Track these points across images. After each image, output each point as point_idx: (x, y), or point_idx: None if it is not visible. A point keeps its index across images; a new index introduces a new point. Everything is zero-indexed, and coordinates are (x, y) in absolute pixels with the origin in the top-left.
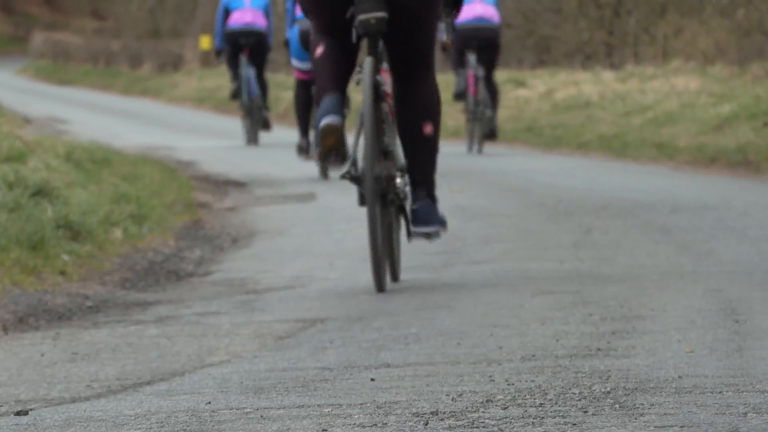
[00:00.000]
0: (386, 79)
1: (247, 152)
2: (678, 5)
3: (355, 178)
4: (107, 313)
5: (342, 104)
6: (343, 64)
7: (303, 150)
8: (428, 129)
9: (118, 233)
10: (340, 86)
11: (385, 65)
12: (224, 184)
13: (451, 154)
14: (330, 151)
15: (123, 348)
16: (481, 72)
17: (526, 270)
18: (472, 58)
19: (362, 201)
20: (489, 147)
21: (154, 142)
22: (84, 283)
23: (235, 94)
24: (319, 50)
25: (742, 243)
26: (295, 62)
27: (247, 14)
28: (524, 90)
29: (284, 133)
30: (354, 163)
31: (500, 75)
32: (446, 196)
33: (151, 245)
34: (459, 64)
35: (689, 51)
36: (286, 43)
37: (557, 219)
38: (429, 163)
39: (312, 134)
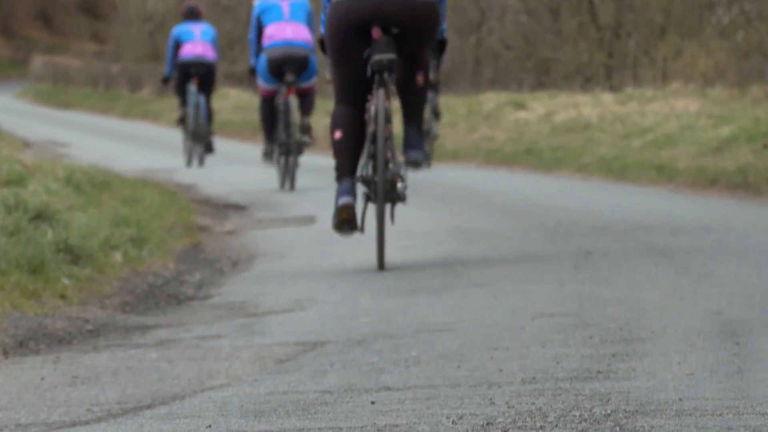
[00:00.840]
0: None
1: (247, 175)
2: (677, 27)
3: (366, 181)
4: (107, 337)
5: (354, 186)
6: (357, 147)
7: (267, 155)
8: (420, 79)
9: (118, 257)
10: (354, 171)
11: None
12: (224, 207)
13: (450, 176)
14: (343, 222)
15: (123, 371)
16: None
17: (526, 292)
18: None
19: (367, 198)
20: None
21: (154, 165)
22: (84, 307)
23: (182, 119)
24: (338, 134)
25: (743, 265)
26: (261, 83)
27: (197, 46)
28: (524, 112)
29: None
30: (365, 169)
31: (500, 97)
32: (446, 218)
33: (151, 268)
34: None
35: (689, 73)
36: (252, 71)
37: (557, 241)
38: (419, 106)
39: (278, 140)
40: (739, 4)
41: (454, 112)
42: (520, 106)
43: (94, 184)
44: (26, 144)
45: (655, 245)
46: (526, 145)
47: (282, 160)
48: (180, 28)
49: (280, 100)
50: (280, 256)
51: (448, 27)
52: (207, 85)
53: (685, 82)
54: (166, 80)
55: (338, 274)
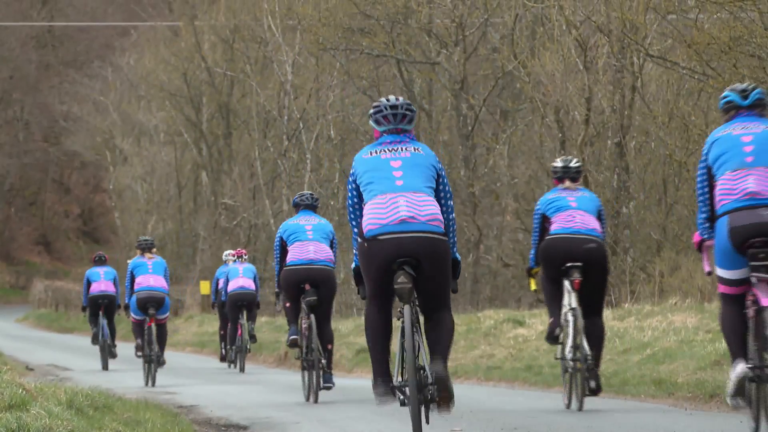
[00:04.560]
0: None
1: (248, 396)
2: (673, 243)
3: (400, 389)
4: None
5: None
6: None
7: (138, 348)
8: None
9: None
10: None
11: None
12: (225, 428)
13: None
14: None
15: None
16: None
17: None
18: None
19: (402, 403)
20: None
21: (155, 387)
22: None
23: (95, 338)
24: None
25: None
26: (133, 315)
27: (102, 284)
28: (522, 329)
29: (280, 376)
30: (398, 380)
31: (499, 314)
32: None
33: None
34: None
35: (686, 288)
36: (127, 307)
37: None
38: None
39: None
40: None
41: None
42: (519, 323)
43: (96, 406)
44: (28, 368)
45: None
46: (525, 361)
47: (146, 367)
48: (90, 271)
49: (145, 328)
50: None
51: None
52: (109, 312)
53: (683, 297)
54: (84, 308)
55: None
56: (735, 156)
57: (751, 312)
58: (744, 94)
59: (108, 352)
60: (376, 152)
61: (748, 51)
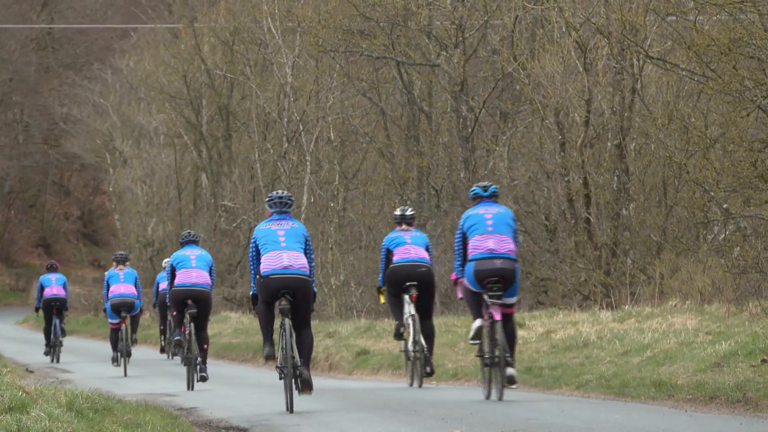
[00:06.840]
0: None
1: (248, 398)
2: (674, 245)
3: (281, 369)
4: None
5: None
6: (271, 319)
7: (114, 359)
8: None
9: None
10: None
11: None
12: (225, 430)
13: (450, 395)
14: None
15: None
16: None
17: None
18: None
19: (281, 377)
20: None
21: (155, 389)
22: None
23: (47, 353)
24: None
25: None
26: (110, 320)
27: (54, 289)
28: (523, 331)
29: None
30: (280, 362)
31: None
32: None
33: None
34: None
35: (686, 290)
36: (105, 310)
37: None
38: (309, 360)
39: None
40: (734, 222)
41: (454, 332)
42: (519, 324)
43: (96, 409)
44: (28, 370)
45: None
46: (525, 363)
47: (122, 360)
48: (43, 277)
49: (121, 327)
50: None
51: (436, 252)
52: (60, 313)
53: (683, 299)
54: (37, 309)
55: None
56: (481, 227)
57: (487, 324)
58: (485, 188)
59: (59, 349)
60: (269, 225)
61: (748, 53)
